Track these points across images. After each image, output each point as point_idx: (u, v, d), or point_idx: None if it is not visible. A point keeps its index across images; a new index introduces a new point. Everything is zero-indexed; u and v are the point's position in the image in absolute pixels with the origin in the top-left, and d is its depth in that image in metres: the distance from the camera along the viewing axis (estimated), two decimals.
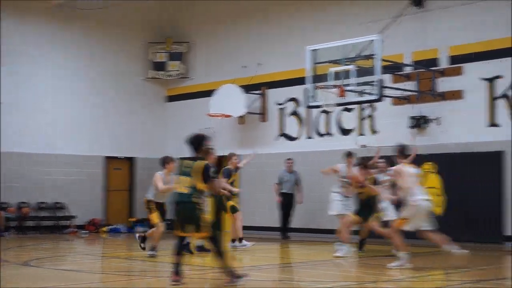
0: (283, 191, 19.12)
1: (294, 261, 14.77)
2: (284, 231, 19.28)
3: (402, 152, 12.29)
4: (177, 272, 9.79)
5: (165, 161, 14.05)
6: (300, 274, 12.15)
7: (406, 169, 12.03)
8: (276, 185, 19.22)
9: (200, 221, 9.79)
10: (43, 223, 21.00)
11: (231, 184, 15.44)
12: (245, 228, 16.70)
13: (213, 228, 10.01)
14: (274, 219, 19.69)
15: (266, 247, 16.84)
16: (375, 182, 13.77)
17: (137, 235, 14.91)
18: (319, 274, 11.74)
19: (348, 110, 19.10)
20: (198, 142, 10.18)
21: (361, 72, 16.02)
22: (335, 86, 15.93)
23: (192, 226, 9.81)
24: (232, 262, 9.92)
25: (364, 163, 13.85)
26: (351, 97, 16.31)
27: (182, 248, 10.05)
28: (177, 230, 9.92)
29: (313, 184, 19.00)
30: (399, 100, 17.91)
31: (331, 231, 16.84)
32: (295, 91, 19.98)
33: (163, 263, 13.36)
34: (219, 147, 22.13)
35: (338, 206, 15.00)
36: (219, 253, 9.83)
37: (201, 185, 9.84)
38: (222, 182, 14.50)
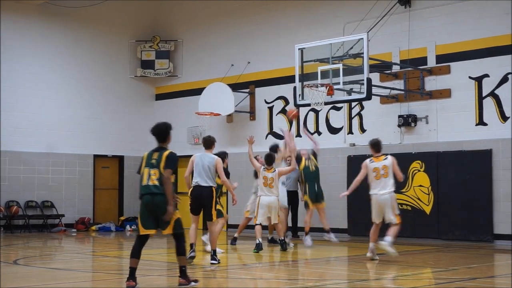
0: (286, 188, 18.94)
1: (285, 259, 14.82)
2: (287, 229, 18.98)
3: (374, 146, 12.86)
4: (132, 276, 9.33)
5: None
6: (289, 272, 12.19)
7: (371, 163, 12.67)
8: None
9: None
10: (32, 222, 20.93)
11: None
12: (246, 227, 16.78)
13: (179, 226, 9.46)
14: None
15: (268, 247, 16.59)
16: None
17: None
18: (311, 273, 11.79)
19: (337, 108, 19.15)
20: (165, 132, 9.87)
21: (349, 70, 16.08)
22: (323, 85, 15.97)
23: (160, 221, 9.30)
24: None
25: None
26: (339, 96, 16.37)
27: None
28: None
29: None
30: (387, 99, 17.98)
31: (332, 230, 16.88)
32: (284, 89, 20.03)
33: (153, 261, 13.34)
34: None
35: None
36: (183, 251, 9.47)
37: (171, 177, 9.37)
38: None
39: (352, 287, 10.05)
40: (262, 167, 14.68)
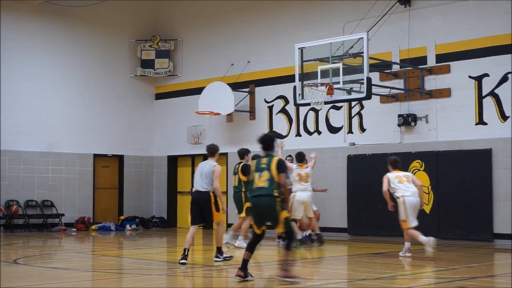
0: None
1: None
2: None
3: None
4: (244, 267, 9.94)
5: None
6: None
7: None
8: None
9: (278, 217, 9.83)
10: (32, 221, 20.92)
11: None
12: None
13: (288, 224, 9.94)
14: None
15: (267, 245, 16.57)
16: None
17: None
18: (311, 272, 11.79)
19: (337, 108, 19.16)
20: (271, 141, 10.30)
21: (349, 70, 16.08)
22: (323, 84, 15.97)
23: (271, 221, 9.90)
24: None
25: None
26: (339, 95, 16.37)
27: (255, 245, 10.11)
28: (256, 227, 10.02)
29: None
30: (387, 98, 17.98)
31: (332, 229, 16.90)
32: (284, 89, 20.02)
33: (152, 260, 13.36)
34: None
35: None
36: (289, 247, 9.99)
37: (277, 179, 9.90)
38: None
39: (352, 286, 10.05)
40: (295, 165, 15.23)
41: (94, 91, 22.92)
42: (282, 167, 9.97)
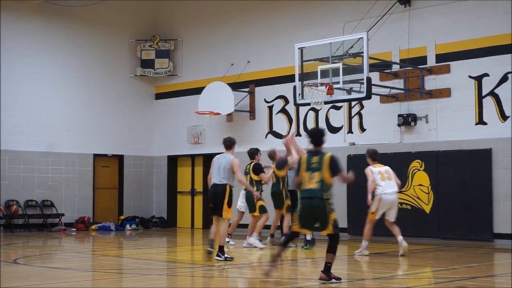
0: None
1: (286, 258, 14.82)
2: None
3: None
4: (274, 260, 10.00)
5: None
6: (290, 271, 12.19)
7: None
8: None
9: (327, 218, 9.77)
10: (32, 221, 20.92)
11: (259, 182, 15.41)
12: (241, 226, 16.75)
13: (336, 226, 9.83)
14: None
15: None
16: None
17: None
18: (309, 272, 11.79)
19: (337, 108, 19.16)
20: (321, 136, 10.09)
21: (349, 70, 16.08)
22: (323, 84, 15.97)
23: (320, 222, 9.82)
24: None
25: None
26: (339, 95, 16.37)
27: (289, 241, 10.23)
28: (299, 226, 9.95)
29: None
30: (387, 98, 17.98)
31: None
32: (284, 88, 20.02)
33: (152, 260, 13.36)
34: (208, 145, 22.24)
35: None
36: (333, 250, 9.82)
37: (329, 180, 9.80)
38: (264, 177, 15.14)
39: (352, 286, 10.05)
40: None
41: (94, 91, 22.92)
42: (335, 166, 9.82)
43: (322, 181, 9.71)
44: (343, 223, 18.43)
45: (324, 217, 9.69)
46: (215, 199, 12.70)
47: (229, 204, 12.66)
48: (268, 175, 15.25)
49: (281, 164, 15.11)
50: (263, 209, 15.15)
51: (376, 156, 14.00)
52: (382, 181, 13.62)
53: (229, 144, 13.08)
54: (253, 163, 15.39)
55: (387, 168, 13.86)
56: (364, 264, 12.58)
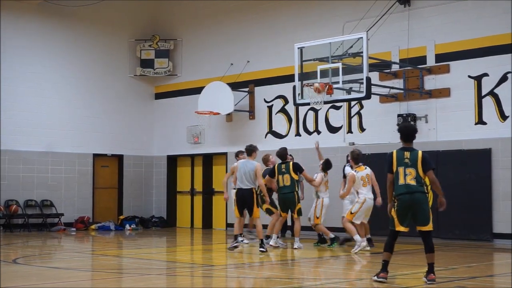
0: None
1: (284, 258, 14.83)
2: (284, 229, 19.03)
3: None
4: (385, 269, 9.81)
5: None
6: (289, 271, 12.20)
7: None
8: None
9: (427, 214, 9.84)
10: (31, 221, 20.92)
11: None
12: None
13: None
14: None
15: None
16: None
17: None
18: (308, 272, 11.79)
19: (336, 108, 19.16)
20: (414, 133, 10.20)
21: (349, 70, 16.07)
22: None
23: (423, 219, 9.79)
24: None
25: None
26: (339, 95, 16.36)
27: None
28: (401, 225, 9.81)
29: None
30: (387, 98, 17.98)
31: (332, 229, 16.82)
32: (283, 88, 20.02)
33: (152, 260, 13.36)
34: (208, 145, 22.26)
35: None
36: (431, 249, 9.77)
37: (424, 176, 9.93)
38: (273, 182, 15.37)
39: (351, 286, 10.05)
40: (353, 169, 14.88)
41: (93, 91, 22.92)
42: (428, 163, 9.98)
43: (418, 176, 9.88)
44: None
45: (424, 212, 9.81)
46: (242, 202, 14.21)
47: (257, 205, 14.35)
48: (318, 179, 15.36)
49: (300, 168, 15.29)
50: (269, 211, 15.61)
51: (359, 159, 14.56)
52: (364, 187, 14.33)
53: (249, 151, 14.52)
54: (292, 162, 15.31)
55: (368, 171, 14.46)
56: (364, 264, 12.58)
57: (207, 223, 22.41)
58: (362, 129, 18.74)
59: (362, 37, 15.56)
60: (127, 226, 22.18)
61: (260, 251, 13.85)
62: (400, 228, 9.79)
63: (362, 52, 15.52)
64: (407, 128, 10.27)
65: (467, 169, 16.65)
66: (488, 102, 16.60)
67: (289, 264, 13.10)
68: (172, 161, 23.62)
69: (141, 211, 23.46)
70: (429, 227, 9.78)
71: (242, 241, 15.21)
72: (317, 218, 15.13)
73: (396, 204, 9.80)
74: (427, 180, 10.32)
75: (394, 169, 9.90)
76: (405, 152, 9.93)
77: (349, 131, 18.99)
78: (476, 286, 9.77)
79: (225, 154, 21.60)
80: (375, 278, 9.79)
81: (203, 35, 23.00)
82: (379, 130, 18.24)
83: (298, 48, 16.56)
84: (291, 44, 17.18)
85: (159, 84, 24.10)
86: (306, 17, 20.14)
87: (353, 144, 18.58)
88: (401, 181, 9.81)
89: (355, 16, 18.20)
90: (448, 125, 17.16)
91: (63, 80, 22.31)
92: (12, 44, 21.19)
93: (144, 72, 23.70)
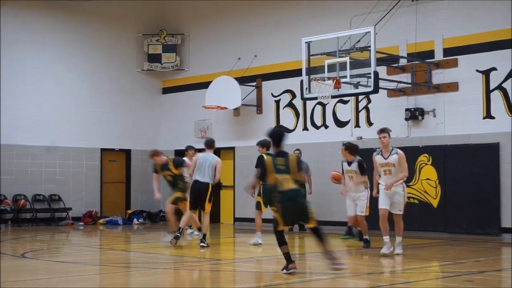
0: None
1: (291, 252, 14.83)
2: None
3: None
4: (289, 260, 10.04)
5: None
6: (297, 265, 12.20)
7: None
8: None
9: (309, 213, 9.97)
10: (39, 215, 20.99)
11: None
12: (245, 220, 16.69)
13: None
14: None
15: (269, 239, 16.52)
16: None
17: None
18: (316, 266, 11.79)
19: (344, 102, 19.13)
20: (282, 137, 10.21)
21: (356, 64, 16.04)
22: (330, 78, 15.95)
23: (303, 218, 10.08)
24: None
25: None
26: (346, 89, 16.33)
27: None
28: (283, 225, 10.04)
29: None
30: (394, 92, 17.94)
31: (337, 223, 16.84)
32: (291, 83, 19.99)
33: (159, 254, 13.38)
34: (215, 139, 22.21)
35: None
36: (322, 239, 9.92)
37: (299, 177, 10.06)
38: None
39: (359, 280, 10.05)
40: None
41: (101, 86, 22.95)
42: (301, 165, 10.23)
43: (296, 180, 9.96)
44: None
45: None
46: (198, 195, 14.04)
47: (210, 200, 14.08)
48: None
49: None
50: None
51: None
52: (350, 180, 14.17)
53: (210, 143, 14.48)
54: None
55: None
56: (371, 259, 12.56)
57: (215, 217, 22.39)
58: (369, 123, 18.71)
59: (369, 32, 15.53)
60: (135, 221, 22.23)
61: (201, 246, 13.84)
62: (284, 228, 10.06)
63: (369, 46, 15.50)
64: (276, 132, 10.32)
65: (475, 164, 16.60)
66: (496, 97, 16.55)
67: (295, 258, 13.09)
68: (180, 156, 23.57)
69: (149, 205, 23.47)
70: (313, 224, 9.93)
71: (192, 233, 15.86)
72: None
73: (280, 208, 9.97)
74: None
75: (269, 175, 9.97)
76: (279, 158, 10.02)
77: (357, 125, 18.97)
78: (484, 281, 9.76)
79: (233, 148, 21.59)
80: (285, 271, 9.98)
81: (210, 29, 22.98)
82: (387, 124, 17.98)
83: (306, 42, 16.54)
84: (298, 38, 17.15)
85: (167, 78, 24.11)
86: (313, 11, 20.10)
87: (361, 138, 18.55)
88: (282, 187, 9.91)
89: (363, 10, 18.15)
90: (456, 119, 17.11)
91: (71, 75, 22.34)
92: (18, 39, 21.22)
93: (152, 67, 23.71)
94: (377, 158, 12.63)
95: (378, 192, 12.66)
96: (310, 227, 10.02)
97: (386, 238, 12.42)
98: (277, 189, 9.95)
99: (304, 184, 10.25)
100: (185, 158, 16.54)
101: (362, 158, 14.49)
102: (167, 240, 14.40)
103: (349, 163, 14.17)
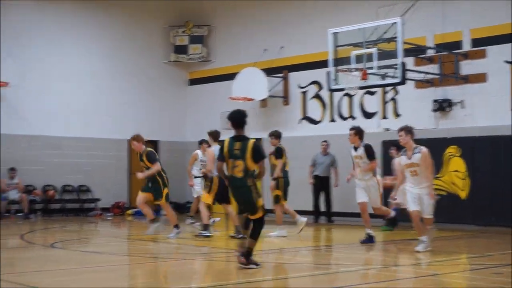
0: (316, 173, 18.92)
1: (317, 244, 14.85)
2: (317, 214, 19.08)
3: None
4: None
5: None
6: (322, 257, 12.22)
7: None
8: (310, 167, 19.04)
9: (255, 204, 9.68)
10: (68, 206, 21.21)
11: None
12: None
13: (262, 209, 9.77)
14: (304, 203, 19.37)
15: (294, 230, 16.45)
16: None
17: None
18: (343, 258, 11.80)
19: (371, 93, 19.07)
20: (242, 119, 9.82)
21: (383, 55, 15.96)
22: (357, 69, 15.91)
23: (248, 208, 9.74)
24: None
25: None
26: (373, 80, 16.28)
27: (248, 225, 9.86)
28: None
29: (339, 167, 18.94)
30: (422, 84, 17.84)
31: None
32: (317, 74, 19.94)
33: (188, 245, 13.46)
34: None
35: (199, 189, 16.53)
36: (257, 235, 9.71)
37: (253, 166, 9.65)
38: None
39: (388, 273, 10.05)
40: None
41: (128, 77, 23.09)
42: (259, 153, 9.69)
43: (246, 169, 9.61)
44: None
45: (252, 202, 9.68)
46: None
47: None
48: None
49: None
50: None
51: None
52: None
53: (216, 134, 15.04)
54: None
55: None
56: (398, 251, 12.55)
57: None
58: (397, 114, 18.65)
59: (396, 22, 15.46)
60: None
61: (201, 234, 14.19)
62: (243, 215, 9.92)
63: (396, 37, 15.42)
64: (236, 113, 9.84)
65: (504, 155, 16.48)
66: None
67: (313, 250, 13.13)
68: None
69: (176, 196, 23.55)
70: (258, 215, 9.68)
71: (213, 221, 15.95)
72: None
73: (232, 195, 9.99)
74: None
75: (226, 159, 9.77)
76: (236, 143, 9.68)
77: (384, 116, 18.90)
78: None
79: (260, 139, 21.62)
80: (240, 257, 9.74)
81: (236, 21, 23.00)
82: (414, 115, 18.08)
83: (332, 33, 16.50)
84: (324, 29, 17.11)
85: (193, 70, 24.18)
86: (339, 2, 20.02)
87: (388, 130, 18.48)
88: (228, 172, 9.76)
89: (388, 1, 18.05)
90: (484, 110, 16.99)
91: (98, 66, 22.50)
92: (48, 31, 21.44)
93: (178, 58, 23.80)
94: (402, 159, 12.11)
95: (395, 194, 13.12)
96: (252, 218, 9.71)
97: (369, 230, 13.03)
98: (228, 173, 9.80)
99: (261, 173, 9.58)
100: (198, 151, 16.54)
101: (390, 149, 14.42)
102: (151, 232, 14.61)
103: (356, 148, 13.63)
